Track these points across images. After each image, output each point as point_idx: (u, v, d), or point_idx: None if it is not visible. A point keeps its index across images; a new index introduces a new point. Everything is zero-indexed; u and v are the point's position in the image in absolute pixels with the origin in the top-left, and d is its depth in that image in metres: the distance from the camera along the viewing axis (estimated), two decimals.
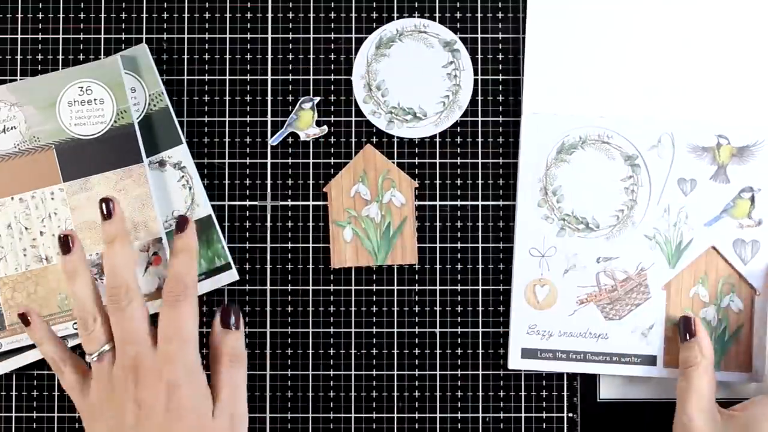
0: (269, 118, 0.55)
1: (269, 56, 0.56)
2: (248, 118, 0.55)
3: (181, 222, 0.51)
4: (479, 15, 0.55)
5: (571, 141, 0.53)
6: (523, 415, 0.54)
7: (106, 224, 0.51)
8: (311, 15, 0.56)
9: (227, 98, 0.55)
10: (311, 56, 0.55)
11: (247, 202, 0.55)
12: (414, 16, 0.55)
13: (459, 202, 0.55)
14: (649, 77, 0.54)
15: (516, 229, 0.54)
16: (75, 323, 0.53)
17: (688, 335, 0.51)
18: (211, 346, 0.50)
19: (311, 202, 0.55)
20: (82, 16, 0.56)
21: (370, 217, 0.55)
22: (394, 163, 0.55)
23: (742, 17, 0.54)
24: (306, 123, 0.55)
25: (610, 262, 0.52)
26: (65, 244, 0.50)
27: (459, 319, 0.55)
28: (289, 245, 0.55)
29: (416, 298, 0.55)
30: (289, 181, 0.55)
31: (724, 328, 0.52)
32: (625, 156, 0.53)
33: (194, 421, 0.46)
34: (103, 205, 0.51)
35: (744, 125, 0.53)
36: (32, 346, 0.53)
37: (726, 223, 0.53)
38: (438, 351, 0.55)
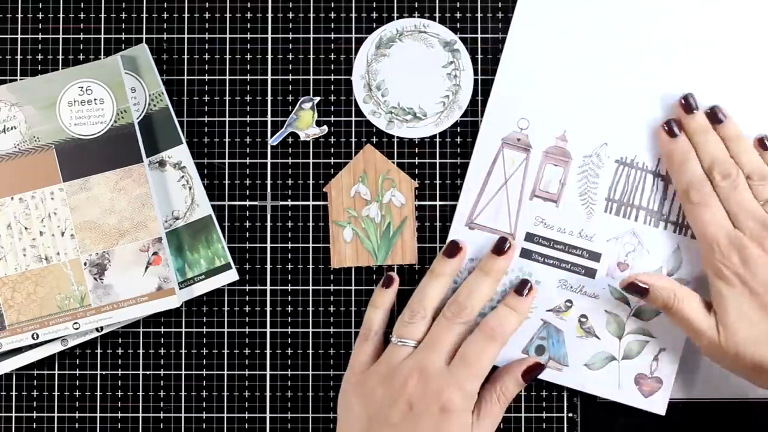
0: (269, 118, 0.55)
1: (269, 56, 0.56)
2: (248, 118, 0.55)
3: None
4: (479, 15, 0.55)
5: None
6: (523, 415, 0.54)
7: (495, 259, 0.52)
8: (311, 15, 0.56)
9: (227, 98, 0.55)
10: (311, 56, 0.55)
11: (247, 202, 0.55)
12: (414, 16, 0.55)
13: (459, 202, 0.55)
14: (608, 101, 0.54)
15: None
16: (75, 323, 0.53)
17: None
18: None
19: (311, 202, 0.55)
20: (82, 16, 0.56)
21: (370, 217, 0.55)
22: (394, 163, 0.55)
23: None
24: (306, 123, 0.55)
25: None
26: (453, 249, 0.52)
27: None
28: (289, 245, 0.55)
29: None
30: (289, 181, 0.55)
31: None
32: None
33: None
34: (504, 243, 0.52)
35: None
36: (32, 346, 0.53)
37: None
38: None
